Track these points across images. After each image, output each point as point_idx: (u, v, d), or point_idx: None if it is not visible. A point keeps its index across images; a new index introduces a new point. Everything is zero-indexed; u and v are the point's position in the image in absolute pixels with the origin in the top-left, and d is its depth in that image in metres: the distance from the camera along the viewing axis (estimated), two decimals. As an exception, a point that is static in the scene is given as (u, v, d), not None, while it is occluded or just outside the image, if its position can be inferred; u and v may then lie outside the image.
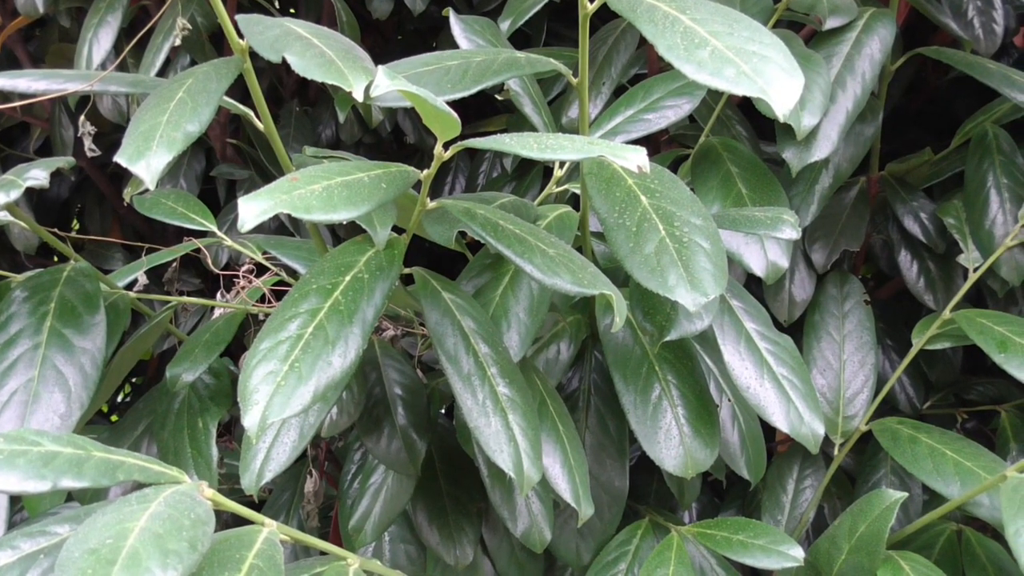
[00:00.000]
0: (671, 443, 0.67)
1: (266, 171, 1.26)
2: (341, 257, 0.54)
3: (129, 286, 0.80)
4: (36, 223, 0.73)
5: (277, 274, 0.84)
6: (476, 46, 0.76)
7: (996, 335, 0.76)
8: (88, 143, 0.95)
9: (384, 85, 0.44)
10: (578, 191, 0.71)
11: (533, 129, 0.77)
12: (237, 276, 0.82)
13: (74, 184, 1.43)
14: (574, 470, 0.63)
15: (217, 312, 0.82)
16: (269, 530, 0.47)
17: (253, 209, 0.43)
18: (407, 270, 0.60)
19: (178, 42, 1.01)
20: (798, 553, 0.66)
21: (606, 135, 0.80)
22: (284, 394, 0.46)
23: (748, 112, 0.95)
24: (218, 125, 1.26)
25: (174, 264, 0.93)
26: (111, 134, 1.21)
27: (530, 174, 1.08)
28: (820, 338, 0.89)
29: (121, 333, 0.73)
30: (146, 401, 0.82)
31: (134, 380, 1.60)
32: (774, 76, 0.46)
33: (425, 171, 0.54)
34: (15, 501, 0.76)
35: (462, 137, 0.49)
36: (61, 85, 0.63)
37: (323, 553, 0.56)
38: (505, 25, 0.87)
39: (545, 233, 0.58)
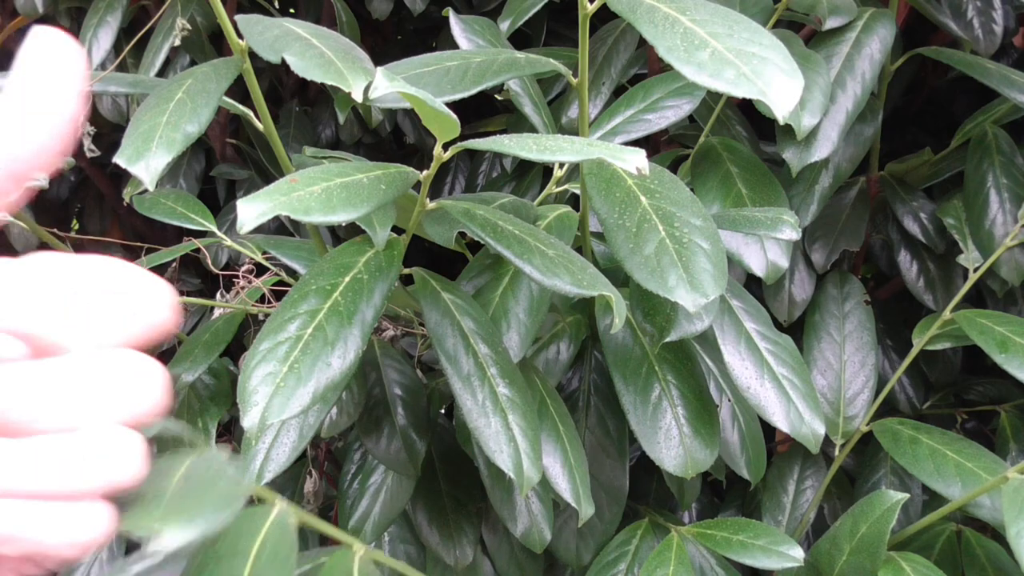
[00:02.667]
0: (671, 443, 0.67)
1: (266, 171, 1.26)
2: (340, 258, 0.54)
3: (129, 286, 0.80)
4: (36, 223, 0.73)
5: (277, 274, 0.84)
6: (476, 46, 0.76)
7: (996, 335, 0.76)
8: (88, 143, 0.95)
9: (383, 87, 0.44)
10: (578, 191, 0.71)
11: (533, 129, 0.77)
12: (237, 276, 0.82)
13: (74, 184, 1.43)
14: (574, 470, 0.63)
15: (217, 312, 0.82)
16: (280, 508, 0.48)
17: (252, 211, 0.43)
18: (407, 270, 0.60)
19: (178, 42, 1.01)
20: (798, 553, 0.66)
21: (606, 135, 0.80)
22: (283, 395, 0.46)
23: (748, 112, 0.95)
24: (218, 125, 1.26)
25: (174, 264, 0.93)
26: (111, 134, 1.21)
27: (530, 174, 1.08)
28: (820, 338, 0.89)
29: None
30: (146, 401, 0.82)
31: (134, 380, 1.60)
32: (774, 77, 0.46)
33: (425, 172, 0.54)
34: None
35: (462, 137, 0.49)
36: (60, 85, 0.63)
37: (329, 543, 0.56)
38: (505, 25, 0.87)
39: (544, 234, 0.57)
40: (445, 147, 0.51)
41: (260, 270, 0.83)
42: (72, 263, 0.29)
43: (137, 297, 0.28)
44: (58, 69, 0.27)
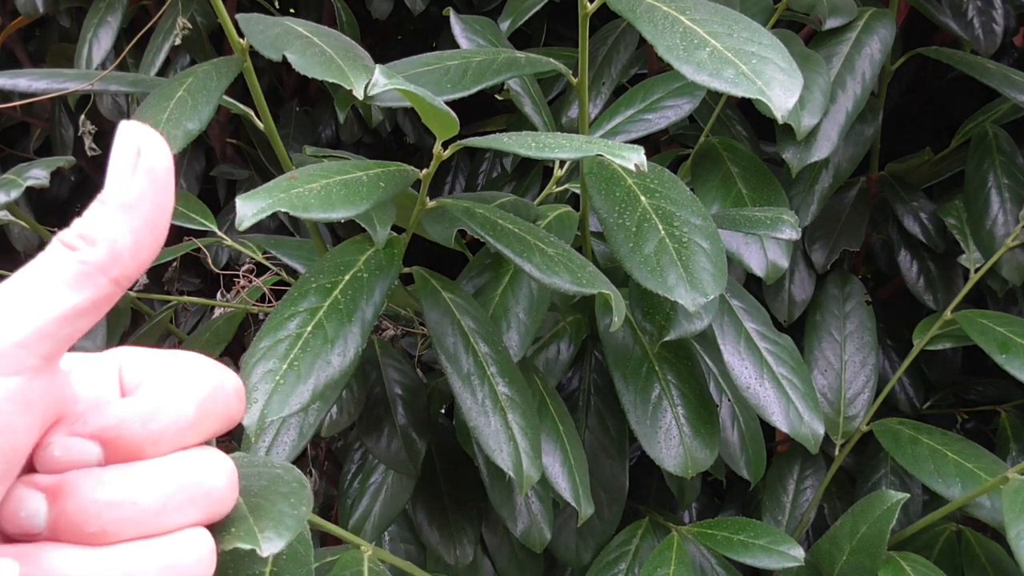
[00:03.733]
0: (671, 443, 0.67)
1: (266, 171, 1.26)
2: (341, 256, 0.54)
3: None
4: (36, 223, 0.73)
5: (277, 274, 0.84)
6: (476, 46, 0.76)
7: (998, 336, 0.76)
8: (88, 142, 0.95)
9: (382, 84, 0.44)
10: (578, 191, 0.71)
11: (533, 128, 0.77)
12: (237, 276, 0.82)
13: (74, 184, 1.43)
14: (574, 470, 0.63)
15: (217, 312, 0.82)
16: None
17: (251, 207, 0.43)
18: (407, 269, 0.60)
19: (178, 42, 1.01)
20: (798, 553, 0.66)
21: (606, 135, 0.80)
22: (283, 393, 0.46)
23: (748, 112, 0.95)
24: (218, 125, 1.26)
25: (174, 264, 0.93)
26: (111, 133, 1.21)
27: (530, 174, 1.08)
28: (821, 338, 0.89)
29: (121, 333, 0.73)
30: (146, 401, 0.82)
31: (134, 380, 1.60)
32: (773, 77, 0.46)
33: (424, 170, 0.54)
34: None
35: (462, 137, 0.49)
36: (61, 85, 0.63)
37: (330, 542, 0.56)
38: (505, 25, 0.87)
39: (544, 232, 0.58)
40: (445, 145, 0.51)
41: (260, 269, 0.83)
42: (150, 359, 0.30)
43: (212, 393, 0.28)
44: (151, 166, 0.27)
